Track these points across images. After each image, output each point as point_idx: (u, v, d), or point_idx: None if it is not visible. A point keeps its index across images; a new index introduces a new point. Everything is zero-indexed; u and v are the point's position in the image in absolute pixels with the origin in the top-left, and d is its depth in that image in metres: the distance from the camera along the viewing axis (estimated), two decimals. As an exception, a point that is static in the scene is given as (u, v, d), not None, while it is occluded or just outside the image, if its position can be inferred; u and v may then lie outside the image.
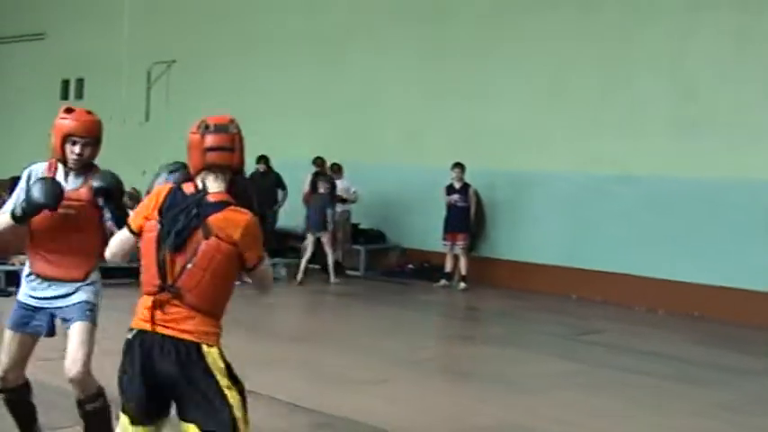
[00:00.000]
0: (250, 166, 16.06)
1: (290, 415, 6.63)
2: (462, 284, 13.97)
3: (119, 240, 3.96)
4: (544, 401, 7.47)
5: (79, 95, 22.07)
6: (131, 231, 3.86)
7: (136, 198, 13.34)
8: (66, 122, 4.78)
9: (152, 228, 3.74)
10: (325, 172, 15.33)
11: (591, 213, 13.40)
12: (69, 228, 4.78)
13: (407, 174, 15.55)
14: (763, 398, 8.02)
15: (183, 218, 3.68)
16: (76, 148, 4.77)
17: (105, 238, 4.47)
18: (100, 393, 4.89)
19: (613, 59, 13.38)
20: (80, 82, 22.41)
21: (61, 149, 4.79)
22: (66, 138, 4.77)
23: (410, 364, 8.63)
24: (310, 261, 14.55)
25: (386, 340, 9.92)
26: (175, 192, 3.79)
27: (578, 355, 9.46)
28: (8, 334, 4.91)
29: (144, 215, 3.81)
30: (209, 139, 3.79)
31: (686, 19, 12.74)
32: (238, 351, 8.62)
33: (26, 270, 4.95)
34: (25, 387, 5.08)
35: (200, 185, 3.79)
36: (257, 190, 15.40)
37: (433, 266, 14.82)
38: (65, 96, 22.72)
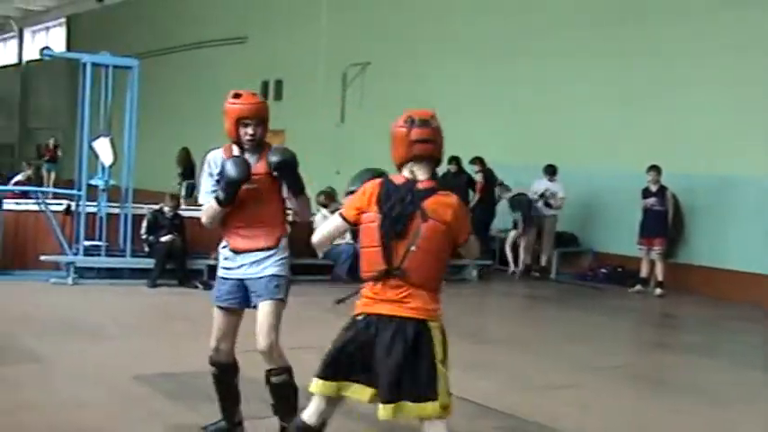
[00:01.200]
0: (442, 167, 16.17)
1: (478, 417, 6.60)
2: (658, 290, 13.57)
3: (331, 227, 4.36)
4: (743, 414, 7.15)
5: (278, 96, 22.80)
6: (346, 221, 4.23)
7: (331, 196, 13.69)
8: (237, 107, 5.16)
9: (372, 218, 4.10)
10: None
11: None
12: (255, 201, 5.13)
13: (601, 176, 15.24)
14: None
15: (399, 206, 4.04)
16: (249, 129, 5.14)
17: (285, 208, 5.23)
18: (287, 369, 5.16)
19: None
20: (279, 83, 23.15)
21: (235, 132, 5.16)
22: (239, 121, 5.13)
23: (600, 370, 8.45)
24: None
25: (576, 345, 9.75)
26: (387, 183, 4.14)
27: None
28: (215, 309, 5.30)
29: (357, 207, 4.18)
30: (415, 133, 4.13)
31: None
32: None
33: (222, 247, 5.29)
34: (234, 368, 5.37)
35: (408, 175, 4.14)
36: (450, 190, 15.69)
37: (627, 271, 14.48)
38: (264, 97, 23.52)
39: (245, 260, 5.15)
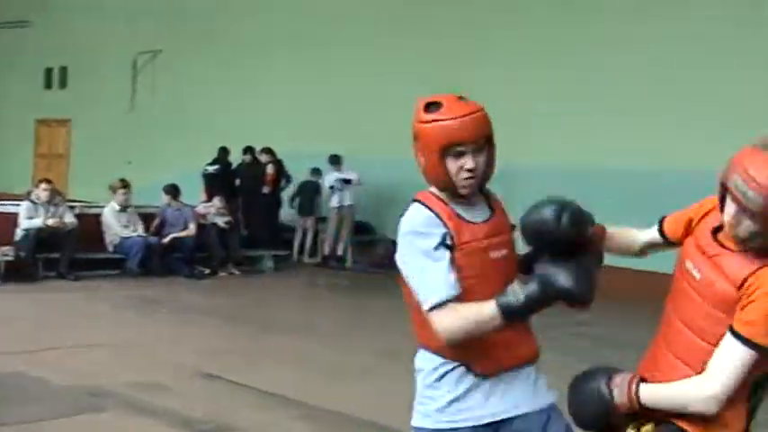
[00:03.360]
0: (237, 158, 16.02)
1: (269, 406, 6.58)
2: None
3: None
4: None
5: (63, 84, 21.95)
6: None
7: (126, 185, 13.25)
8: (444, 124, 2.85)
9: None
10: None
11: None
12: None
13: (394, 166, 15.45)
14: None
15: None
16: (468, 161, 2.87)
17: None
18: None
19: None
20: (63, 70, 22.26)
21: (443, 167, 2.89)
22: (447, 149, 2.86)
23: (393, 356, 8.55)
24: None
25: (368, 331, 9.87)
26: None
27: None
28: None
29: None
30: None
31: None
32: (222, 341, 8.58)
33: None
34: None
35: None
36: (246, 180, 15.64)
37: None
38: (48, 85, 22.60)
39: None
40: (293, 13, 17.47)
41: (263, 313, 11.15)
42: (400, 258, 2.92)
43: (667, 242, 2.95)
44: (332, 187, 15.24)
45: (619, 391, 2.68)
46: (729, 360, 2.50)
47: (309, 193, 15.71)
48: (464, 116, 2.82)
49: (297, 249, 15.86)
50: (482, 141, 2.86)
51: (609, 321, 10.48)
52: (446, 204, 2.90)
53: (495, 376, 2.88)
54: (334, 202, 15.34)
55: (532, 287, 2.67)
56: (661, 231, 2.97)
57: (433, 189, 2.96)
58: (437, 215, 2.86)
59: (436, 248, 2.80)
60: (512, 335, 2.85)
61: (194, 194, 15.05)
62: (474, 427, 2.87)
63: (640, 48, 12.89)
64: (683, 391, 2.59)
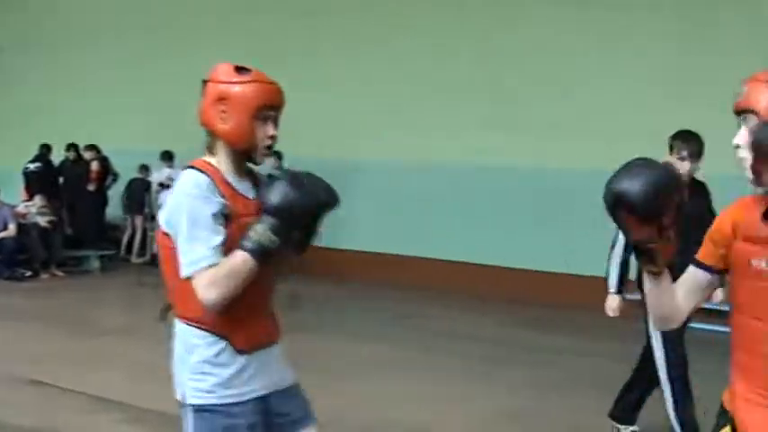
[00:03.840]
0: (59, 155, 15.53)
1: (95, 410, 6.46)
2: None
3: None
4: (352, 387, 7.50)
5: None
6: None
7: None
8: (254, 87, 2.93)
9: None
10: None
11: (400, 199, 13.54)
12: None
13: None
14: (573, 377, 8.29)
15: None
16: (270, 128, 2.98)
17: None
18: None
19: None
20: None
21: (251, 130, 2.94)
22: (260, 110, 2.93)
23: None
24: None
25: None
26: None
27: (393, 340, 9.56)
28: None
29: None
30: None
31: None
32: (46, 345, 8.32)
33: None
34: None
35: None
36: (70, 178, 15.15)
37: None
38: None
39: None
40: (120, 6, 17.07)
41: (86, 315, 10.89)
42: (170, 219, 2.90)
43: (713, 271, 2.63)
44: (161, 184, 14.93)
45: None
46: None
47: (138, 191, 15.39)
48: (274, 83, 2.97)
49: (125, 248, 15.50)
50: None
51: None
52: (221, 174, 2.95)
53: (252, 353, 2.99)
54: (163, 199, 15.03)
55: (265, 218, 2.80)
56: (701, 264, 2.65)
57: (209, 158, 3.00)
58: (214, 183, 2.89)
59: (214, 216, 2.84)
60: (262, 317, 3.05)
61: (15, 194, 14.51)
62: (246, 401, 2.99)
63: (480, 42, 13.00)
64: None
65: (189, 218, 2.83)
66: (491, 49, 12.80)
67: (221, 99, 2.90)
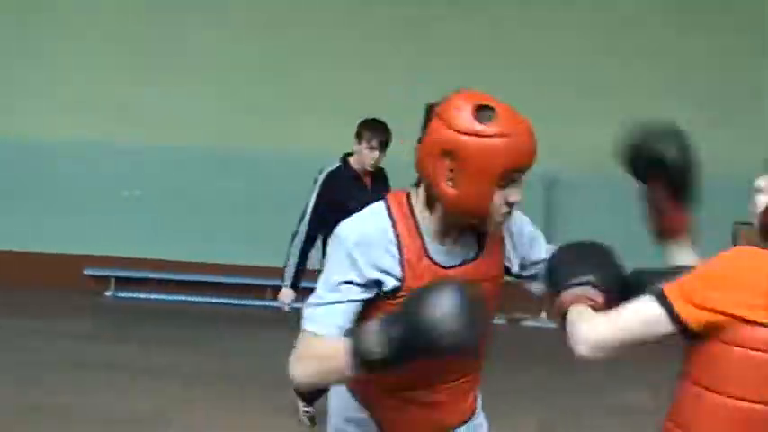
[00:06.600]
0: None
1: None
2: None
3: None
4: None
5: None
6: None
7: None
8: (504, 142, 2.09)
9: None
10: None
11: None
12: None
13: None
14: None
15: None
16: (514, 194, 2.17)
17: None
18: None
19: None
20: None
21: (488, 200, 2.15)
22: (507, 175, 2.13)
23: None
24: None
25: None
26: None
27: None
28: None
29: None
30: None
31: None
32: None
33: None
34: None
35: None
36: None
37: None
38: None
39: None
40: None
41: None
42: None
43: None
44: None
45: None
46: None
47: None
48: (526, 132, 2.12)
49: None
50: None
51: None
52: (417, 228, 2.22)
53: None
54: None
55: (397, 323, 2.04)
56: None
57: (415, 199, 2.25)
58: (397, 241, 2.20)
59: (363, 286, 2.17)
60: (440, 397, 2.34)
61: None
62: None
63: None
64: None
65: (331, 272, 2.23)
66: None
67: (450, 153, 2.08)
